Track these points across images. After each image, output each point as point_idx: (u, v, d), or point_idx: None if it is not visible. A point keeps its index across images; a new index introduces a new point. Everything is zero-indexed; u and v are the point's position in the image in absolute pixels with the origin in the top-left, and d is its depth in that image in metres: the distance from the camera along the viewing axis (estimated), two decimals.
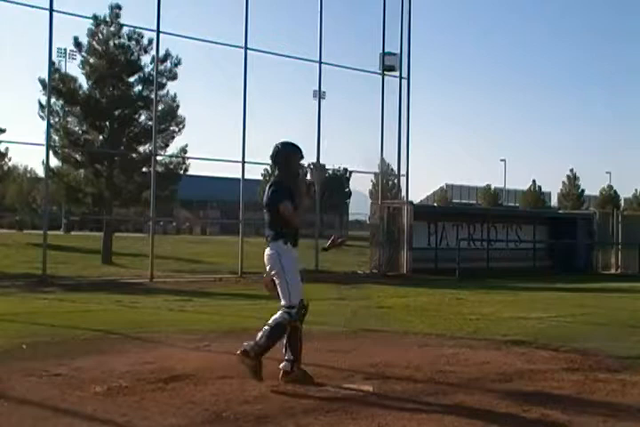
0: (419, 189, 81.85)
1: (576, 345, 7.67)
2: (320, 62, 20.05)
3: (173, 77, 19.88)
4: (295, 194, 5.54)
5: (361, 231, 36.23)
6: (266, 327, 5.45)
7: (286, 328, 5.44)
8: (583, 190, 60.44)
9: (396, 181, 24.30)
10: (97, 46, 19.77)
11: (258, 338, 5.40)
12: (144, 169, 20.44)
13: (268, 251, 5.56)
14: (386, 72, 21.45)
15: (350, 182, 45.33)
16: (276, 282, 5.53)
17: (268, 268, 5.57)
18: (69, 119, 19.86)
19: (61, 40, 19.01)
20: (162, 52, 18.95)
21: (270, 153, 5.63)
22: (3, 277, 15.56)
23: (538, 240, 24.27)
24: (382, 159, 23.50)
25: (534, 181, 60.86)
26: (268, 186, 5.58)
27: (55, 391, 5.21)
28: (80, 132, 20.11)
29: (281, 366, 5.56)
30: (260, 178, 41.30)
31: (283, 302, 5.50)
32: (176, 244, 26.29)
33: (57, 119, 19.27)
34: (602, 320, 10.25)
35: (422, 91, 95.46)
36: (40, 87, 18.20)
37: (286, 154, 5.60)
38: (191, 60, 20.73)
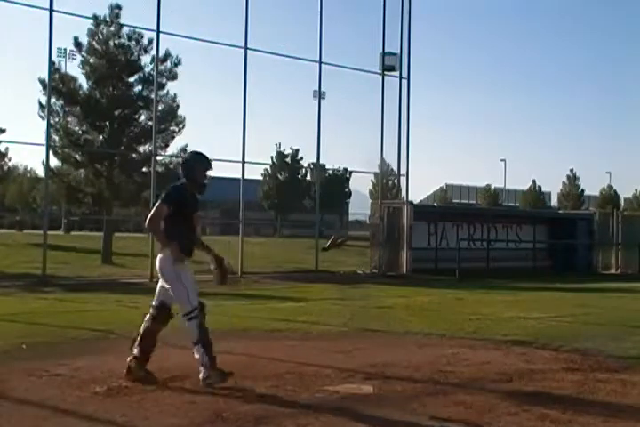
0: (419, 189, 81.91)
1: (576, 345, 7.67)
2: (320, 62, 20.05)
3: (173, 77, 19.89)
4: (191, 203, 5.58)
5: (361, 231, 36.21)
6: (195, 348, 5.34)
7: (206, 334, 5.36)
8: (583, 190, 60.48)
9: (395, 181, 24.33)
10: (97, 46, 19.77)
11: (200, 361, 5.32)
12: (144, 169, 20.43)
13: (160, 255, 5.51)
14: (386, 72, 21.44)
15: (350, 182, 45.43)
16: (171, 288, 5.44)
17: (159, 273, 5.52)
18: (69, 119, 19.87)
19: (61, 40, 19.04)
20: (162, 52, 18.96)
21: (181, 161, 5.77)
22: (3, 277, 15.55)
23: (538, 240, 24.26)
24: (382, 159, 23.53)
25: (534, 181, 60.98)
26: (172, 185, 5.64)
27: (55, 391, 5.21)
28: (80, 132, 20.11)
29: (128, 359, 5.46)
30: (260, 178, 41.60)
31: (183, 310, 5.41)
32: None
33: (57, 119, 19.27)
34: (602, 320, 10.25)
35: (422, 91, 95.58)
36: (40, 87, 18.23)
37: (192, 163, 5.66)
38: (191, 60, 20.76)
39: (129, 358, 5.49)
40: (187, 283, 5.42)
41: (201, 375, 5.32)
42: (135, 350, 5.50)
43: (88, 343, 7.42)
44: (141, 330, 5.56)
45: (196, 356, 5.35)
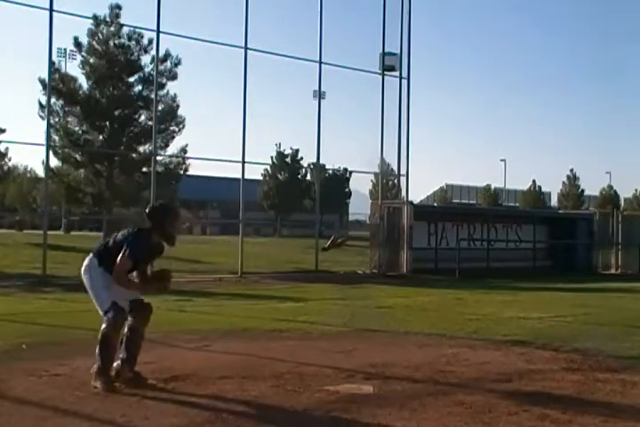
0: (419, 189, 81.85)
1: (576, 345, 7.67)
2: (320, 62, 20.04)
3: (173, 77, 19.92)
4: (155, 253, 5.53)
5: (361, 231, 36.21)
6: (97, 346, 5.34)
7: (111, 336, 5.30)
8: (583, 190, 60.51)
9: (395, 181, 24.33)
10: (97, 46, 19.79)
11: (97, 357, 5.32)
12: (144, 169, 20.43)
13: (86, 261, 5.47)
14: (386, 72, 21.43)
15: (350, 182, 45.46)
16: (91, 294, 5.43)
17: (84, 277, 5.48)
18: (69, 119, 19.89)
19: (61, 40, 19.10)
20: (162, 52, 19.00)
21: (147, 209, 5.62)
22: (3, 277, 15.54)
23: (538, 240, 24.26)
24: (382, 159, 23.52)
25: (534, 181, 61.02)
26: (133, 229, 5.48)
27: (55, 391, 5.21)
28: (80, 132, 20.13)
29: (115, 364, 5.43)
30: (260, 178, 41.62)
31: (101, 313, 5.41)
32: (176, 244, 26.23)
33: (57, 119, 19.29)
34: (602, 320, 10.24)
35: (422, 91, 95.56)
36: (40, 87, 18.26)
37: (160, 214, 5.52)
38: (191, 60, 20.82)
39: (116, 363, 5.45)
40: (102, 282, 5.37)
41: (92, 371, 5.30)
42: (121, 354, 5.48)
43: (88, 343, 7.39)
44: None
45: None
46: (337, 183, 42.57)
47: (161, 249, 5.60)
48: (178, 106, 20.21)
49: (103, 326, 5.31)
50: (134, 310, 5.42)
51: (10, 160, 32.54)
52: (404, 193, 22.65)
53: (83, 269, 5.49)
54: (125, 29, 19.77)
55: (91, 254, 5.51)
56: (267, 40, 20.28)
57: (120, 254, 5.24)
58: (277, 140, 40.51)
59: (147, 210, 5.60)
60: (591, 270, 23.65)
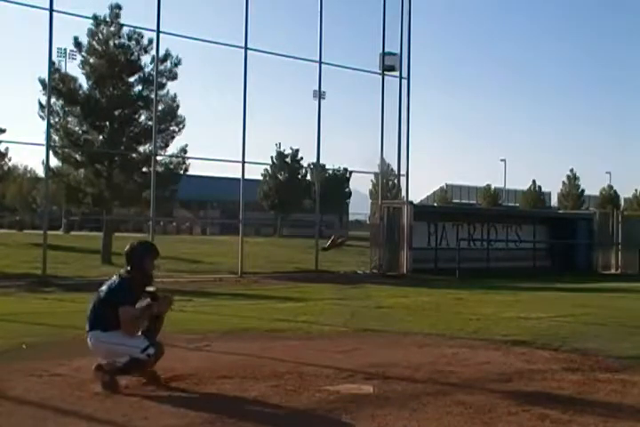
0: (419, 189, 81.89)
1: (576, 345, 7.67)
2: (320, 62, 20.05)
3: (173, 77, 19.87)
4: (139, 293, 5.47)
5: (361, 231, 36.22)
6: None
7: (147, 365, 5.28)
8: (583, 190, 60.44)
9: (395, 181, 24.32)
10: (97, 46, 19.75)
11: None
12: (144, 169, 20.42)
13: (90, 342, 5.38)
14: (386, 72, 21.44)
15: (350, 182, 45.44)
16: (115, 350, 5.33)
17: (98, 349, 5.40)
18: (69, 119, 19.84)
19: (61, 40, 19.04)
20: (162, 52, 18.96)
21: (125, 249, 5.55)
22: (3, 277, 15.54)
23: (538, 240, 24.26)
24: (382, 159, 23.54)
25: (534, 181, 60.93)
26: (115, 279, 5.46)
27: (55, 391, 5.21)
28: (80, 132, 20.09)
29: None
30: (260, 178, 41.60)
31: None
32: (176, 244, 26.26)
33: (57, 119, 19.25)
34: (602, 320, 10.24)
35: (422, 91, 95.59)
36: (40, 87, 18.21)
37: (141, 253, 5.50)
38: (191, 60, 20.75)
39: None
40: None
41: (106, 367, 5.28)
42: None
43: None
44: None
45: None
46: (337, 183, 42.56)
47: (141, 292, 5.51)
48: (178, 106, 20.18)
49: (145, 357, 5.22)
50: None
51: (10, 160, 32.52)
52: (403, 193, 22.68)
53: (91, 346, 5.42)
54: (125, 29, 19.74)
55: (88, 334, 5.39)
56: (267, 40, 20.23)
57: (120, 310, 5.22)
58: (277, 140, 40.48)
59: (126, 249, 5.54)
60: (591, 270, 23.65)
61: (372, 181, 40.74)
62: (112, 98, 19.78)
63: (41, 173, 22.34)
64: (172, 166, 20.71)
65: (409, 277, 18.90)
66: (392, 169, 25.23)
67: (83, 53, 19.63)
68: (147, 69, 20.08)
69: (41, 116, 18.31)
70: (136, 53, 19.98)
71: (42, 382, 5.55)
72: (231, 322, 9.37)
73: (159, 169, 19.27)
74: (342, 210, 50.22)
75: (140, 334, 5.37)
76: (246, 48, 18.70)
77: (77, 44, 19.51)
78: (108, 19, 19.56)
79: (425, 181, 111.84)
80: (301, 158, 42.11)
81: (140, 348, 5.22)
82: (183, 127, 20.44)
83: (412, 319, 10.02)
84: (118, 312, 5.22)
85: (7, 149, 26.19)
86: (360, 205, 42.88)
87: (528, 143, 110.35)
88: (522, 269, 21.82)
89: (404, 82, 21.55)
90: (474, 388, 5.57)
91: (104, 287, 5.47)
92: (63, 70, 19.38)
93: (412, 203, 21.54)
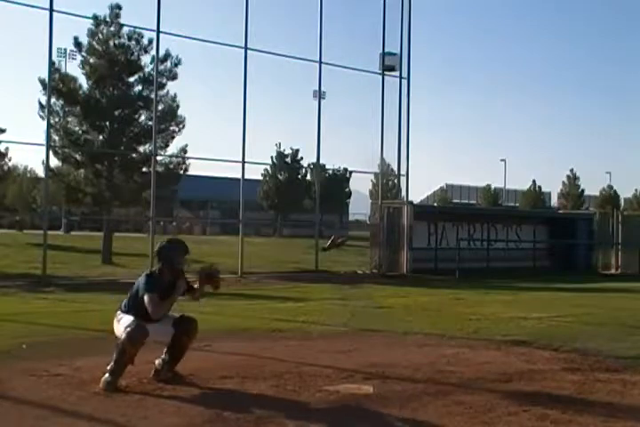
0: (419, 189, 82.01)
1: (576, 345, 7.67)
2: (320, 62, 20.05)
3: (173, 77, 19.87)
4: (170, 287, 5.61)
5: (361, 231, 36.22)
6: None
7: (126, 349, 5.29)
8: (583, 190, 60.47)
9: (395, 181, 24.30)
10: (97, 46, 19.74)
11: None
12: (144, 169, 20.41)
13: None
14: (386, 72, 21.44)
15: (350, 182, 45.45)
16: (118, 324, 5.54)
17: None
18: (69, 119, 19.83)
19: (61, 40, 19.07)
20: (162, 52, 18.95)
21: (157, 247, 5.80)
22: (3, 277, 15.54)
23: (538, 240, 24.25)
24: (382, 159, 23.53)
25: (534, 181, 60.96)
26: (145, 274, 5.67)
27: (55, 391, 5.21)
28: (80, 132, 20.08)
29: (156, 362, 5.61)
30: (260, 178, 41.60)
31: None
32: None
33: (57, 119, 19.24)
34: (602, 320, 10.24)
35: (422, 91, 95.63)
36: (40, 87, 18.19)
37: (167, 250, 5.71)
38: (191, 60, 20.77)
39: (157, 362, 5.61)
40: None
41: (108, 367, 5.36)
42: (164, 355, 5.63)
43: (88, 343, 7.42)
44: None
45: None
46: (337, 183, 42.57)
47: (172, 286, 5.66)
48: (178, 106, 20.17)
49: (123, 336, 5.33)
50: (177, 323, 5.63)
51: (10, 160, 32.44)
52: (403, 193, 22.66)
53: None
54: (125, 29, 19.73)
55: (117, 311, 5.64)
56: (267, 40, 20.23)
57: (144, 297, 5.42)
58: (277, 140, 40.53)
59: (156, 248, 5.80)
60: (591, 270, 23.63)
61: (372, 181, 40.80)
62: (112, 98, 19.77)
63: (41, 173, 22.36)
64: (171, 166, 20.70)
65: (409, 278, 18.89)
66: (392, 169, 25.25)
67: (83, 53, 19.63)
68: (147, 69, 20.08)
69: (41, 116, 18.30)
70: (136, 53, 19.97)
71: (42, 382, 5.55)
72: (231, 322, 9.38)
73: (159, 169, 19.27)
74: (342, 210, 50.22)
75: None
76: (246, 48, 18.70)
77: (77, 44, 19.50)
78: (107, 19, 19.56)
79: (425, 181, 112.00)
80: (301, 158, 42.16)
81: (124, 326, 5.37)
82: (183, 127, 20.44)
83: (411, 319, 10.02)
84: (143, 301, 5.43)
85: (7, 148, 26.13)
86: (360, 205, 42.97)
87: (528, 143, 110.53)
88: (522, 269, 21.80)
89: (404, 82, 21.55)
90: (474, 388, 5.57)
91: (134, 286, 5.67)
92: (63, 70, 19.38)
93: (412, 203, 21.54)
